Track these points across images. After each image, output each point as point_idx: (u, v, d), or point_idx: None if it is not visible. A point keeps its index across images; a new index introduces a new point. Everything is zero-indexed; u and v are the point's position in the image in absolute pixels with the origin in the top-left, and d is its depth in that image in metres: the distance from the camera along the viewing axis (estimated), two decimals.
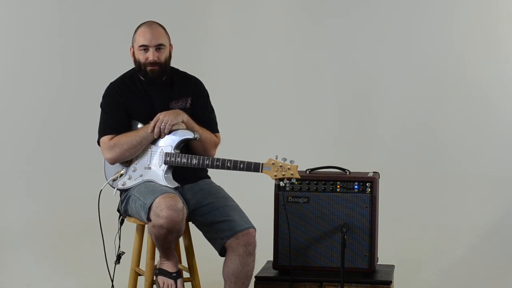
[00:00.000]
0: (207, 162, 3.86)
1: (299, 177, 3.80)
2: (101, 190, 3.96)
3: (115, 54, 5.60)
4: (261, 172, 3.80)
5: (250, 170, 3.81)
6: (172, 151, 3.90)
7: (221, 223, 3.86)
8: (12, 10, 5.76)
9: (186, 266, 4.10)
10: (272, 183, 4.11)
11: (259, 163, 3.79)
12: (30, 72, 5.78)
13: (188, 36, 5.89)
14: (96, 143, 4.02)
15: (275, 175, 3.79)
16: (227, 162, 3.82)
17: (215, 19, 6.09)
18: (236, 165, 3.81)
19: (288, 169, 3.78)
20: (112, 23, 5.88)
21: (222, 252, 3.90)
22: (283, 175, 3.78)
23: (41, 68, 5.80)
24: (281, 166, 3.78)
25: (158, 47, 3.95)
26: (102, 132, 3.98)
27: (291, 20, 6.08)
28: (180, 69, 4.11)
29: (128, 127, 3.97)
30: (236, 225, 3.83)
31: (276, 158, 3.79)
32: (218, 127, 4.10)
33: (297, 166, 3.79)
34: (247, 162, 3.80)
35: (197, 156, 3.88)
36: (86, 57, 5.85)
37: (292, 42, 6.07)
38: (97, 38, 5.88)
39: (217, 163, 3.84)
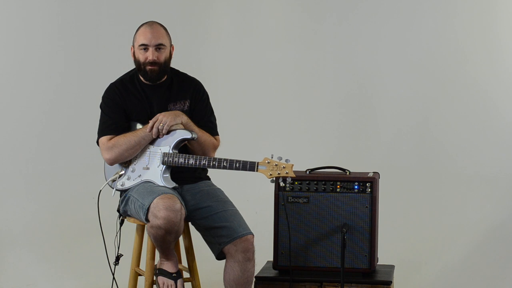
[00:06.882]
0: (204, 162, 3.86)
1: (294, 176, 3.79)
2: (101, 190, 3.96)
3: (115, 54, 5.61)
4: (257, 171, 3.79)
5: (246, 169, 3.81)
6: (170, 151, 3.90)
7: (219, 229, 3.86)
8: (12, 10, 5.75)
9: (186, 266, 4.10)
10: (272, 183, 4.11)
11: (255, 162, 3.79)
12: (30, 72, 5.77)
13: (188, 36, 5.89)
14: (96, 144, 4.02)
15: (270, 174, 3.78)
16: (224, 162, 3.83)
17: (215, 19, 6.08)
18: (232, 165, 3.81)
19: (283, 168, 3.77)
20: (112, 23, 5.87)
21: (220, 256, 3.90)
22: (278, 174, 3.78)
23: (41, 68, 5.79)
24: (276, 165, 3.78)
25: (158, 47, 3.94)
26: (101, 132, 3.98)
27: (291, 20, 6.08)
28: (180, 70, 4.11)
29: (127, 128, 3.98)
30: (234, 232, 3.83)
31: (272, 157, 3.78)
32: (218, 128, 4.10)
33: (293, 165, 3.78)
34: (243, 161, 3.80)
35: (194, 156, 3.88)
36: (86, 57, 5.84)
37: (292, 42, 6.06)
38: (97, 38, 5.87)
39: (214, 162, 3.84)
